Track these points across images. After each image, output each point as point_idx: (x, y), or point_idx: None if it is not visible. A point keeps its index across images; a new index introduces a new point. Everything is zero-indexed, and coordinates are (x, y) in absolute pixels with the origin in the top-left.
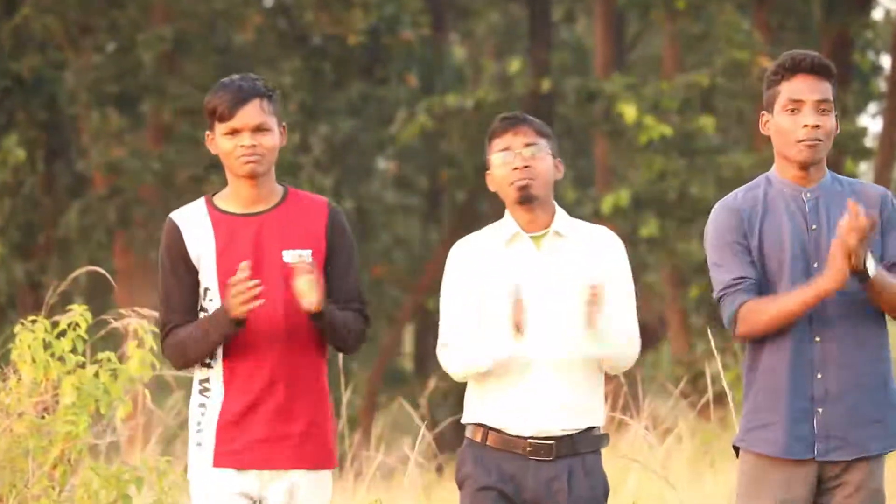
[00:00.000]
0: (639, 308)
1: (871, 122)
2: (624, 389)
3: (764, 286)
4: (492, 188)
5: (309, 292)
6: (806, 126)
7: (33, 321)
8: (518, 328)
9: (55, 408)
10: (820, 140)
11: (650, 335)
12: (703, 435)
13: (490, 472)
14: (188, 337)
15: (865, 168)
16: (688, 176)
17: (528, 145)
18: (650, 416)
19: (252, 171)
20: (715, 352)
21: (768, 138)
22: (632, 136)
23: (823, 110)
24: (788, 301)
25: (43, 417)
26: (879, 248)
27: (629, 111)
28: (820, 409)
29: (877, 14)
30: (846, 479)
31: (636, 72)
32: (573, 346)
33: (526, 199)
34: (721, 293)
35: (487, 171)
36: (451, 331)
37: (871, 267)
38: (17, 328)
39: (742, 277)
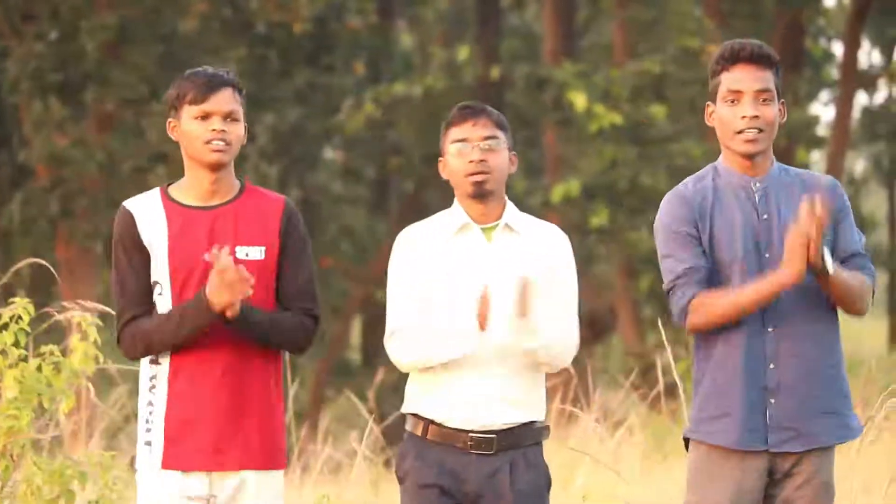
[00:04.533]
0: (586, 301)
1: (823, 111)
2: (574, 381)
3: (716, 277)
4: (444, 176)
5: (220, 293)
6: (745, 117)
7: None
8: (482, 324)
9: None
10: (760, 130)
11: (600, 327)
12: (654, 427)
13: (431, 468)
14: (156, 329)
15: (818, 157)
16: (639, 165)
17: (486, 138)
18: (601, 408)
19: (219, 159)
20: (666, 343)
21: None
22: (582, 125)
23: (764, 100)
24: (743, 295)
25: None
26: (831, 240)
27: (579, 99)
28: (773, 400)
29: (829, 1)
30: (796, 471)
31: (586, 59)
32: (539, 340)
33: (480, 194)
34: (671, 284)
35: (441, 159)
36: (399, 319)
37: (830, 263)
38: None
39: (692, 268)
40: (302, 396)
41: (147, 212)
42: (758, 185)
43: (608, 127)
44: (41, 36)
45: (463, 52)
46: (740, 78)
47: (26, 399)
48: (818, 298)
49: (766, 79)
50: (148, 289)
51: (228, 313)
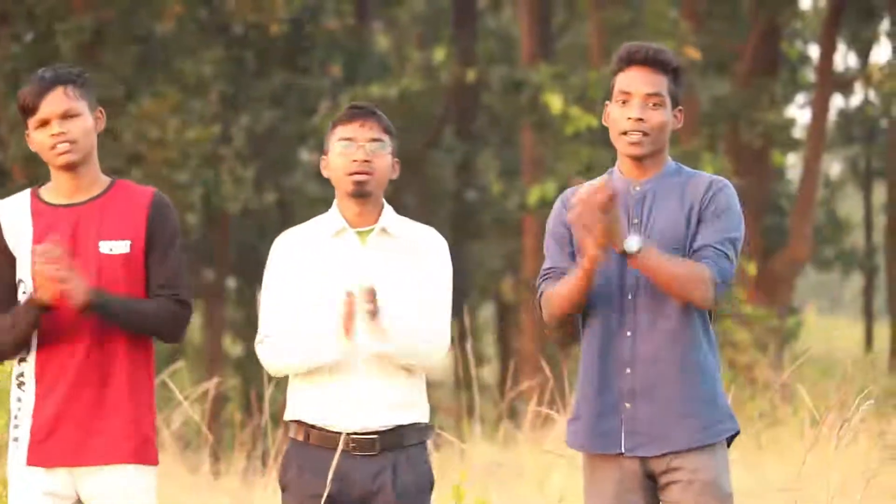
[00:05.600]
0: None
1: (799, 113)
2: (550, 384)
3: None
4: (325, 174)
5: (44, 286)
6: (630, 119)
7: None
8: (347, 330)
9: None
10: (644, 133)
11: (575, 328)
12: None
13: (316, 476)
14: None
15: (794, 160)
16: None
17: (373, 140)
18: None
19: (67, 161)
20: None
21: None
22: (558, 127)
23: (654, 104)
24: (566, 283)
25: None
26: (688, 231)
27: (555, 101)
28: (628, 405)
29: (805, 3)
30: (677, 477)
31: (562, 61)
32: (393, 342)
33: (360, 193)
34: (539, 280)
35: (323, 157)
36: (269, 325)
37: (631, 244)
38: None
39: (553, 268)
40: (278, 398)
41: (14, 213)
42: (637, 188)
43: (584, 129)
44: (16, 37)
45: (439, 54)
46: (631, 80)
47: (2, 401)
48: (681, 303)
49: (658, 83)
50: (10, 291)
51: (74, 303)
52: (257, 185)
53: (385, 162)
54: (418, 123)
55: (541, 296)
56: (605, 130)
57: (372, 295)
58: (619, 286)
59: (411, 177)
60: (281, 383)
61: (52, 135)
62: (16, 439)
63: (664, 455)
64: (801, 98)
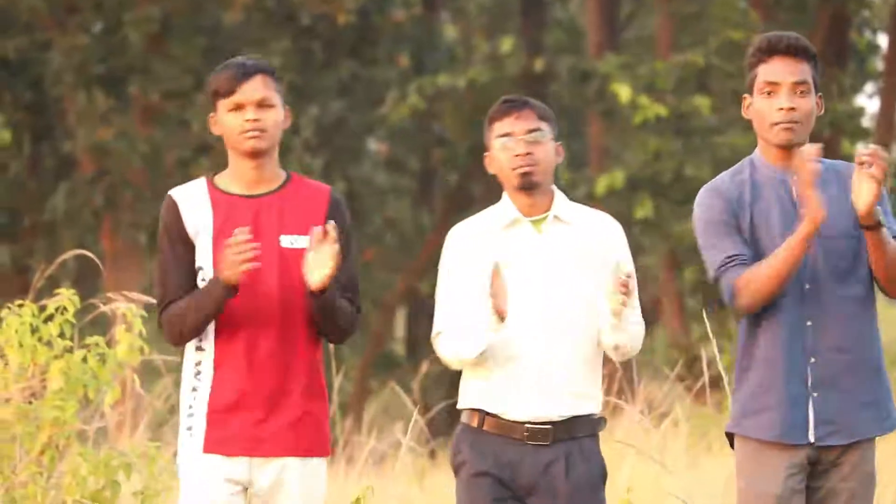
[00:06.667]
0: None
1: (868, 102)
2: (619, 374)
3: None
4: (491, 171)
5: (319, 268)
6: (781, 109)
7: (20, 305)
8: (500, 316)
9: (43, 393)
10: (797, 122)
11: (645, 318)
12: (698, 419)
13: (486, 458)
14: (183, 308)
15: (862, 149)
16: (683, 157)
17: (530, 131)
18: (645, 400)
19: (255, 147)
20: (710, 335)
21: (751, 121)
22: (626, 117)
23: (801, 92)
24: (776, 257)
25: (30, 403)
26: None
27: (623, 91)
28: (815, 394)
29: None
30: (841, 461)
31: (630, 51)
32: (575, 332)
33: (528, 185)
34: (717, 273)
35: (486, 154)
36: (444, 319)
37: (880, 213)
38: (4, 312)
39: (735, 255)
40: (346, 388)
41: (193, 200)
42: (795, 177)
43: (652, 119)
44: (85, 28)
45: (506, 44)
46: (777, 70)
47: (71, 390)
48: (856, 290)
49: (803, 71)
50: (189, 278)
51: (315, 287)
52: (325, 176)
53: (546, 149)
54: (485, 113)
55: (736, 280)
56: (673, 120)
57: (627, 284)
58: (796, 276)
59: (479, 167)
60: (349, 373)
61: (247, 119)
62: (190, 428)
63: (846, 444)
64: (869, 87)
